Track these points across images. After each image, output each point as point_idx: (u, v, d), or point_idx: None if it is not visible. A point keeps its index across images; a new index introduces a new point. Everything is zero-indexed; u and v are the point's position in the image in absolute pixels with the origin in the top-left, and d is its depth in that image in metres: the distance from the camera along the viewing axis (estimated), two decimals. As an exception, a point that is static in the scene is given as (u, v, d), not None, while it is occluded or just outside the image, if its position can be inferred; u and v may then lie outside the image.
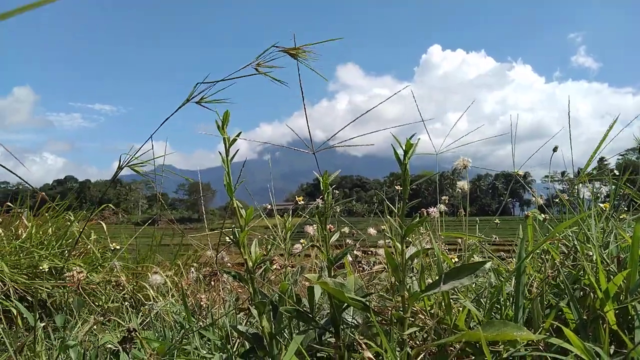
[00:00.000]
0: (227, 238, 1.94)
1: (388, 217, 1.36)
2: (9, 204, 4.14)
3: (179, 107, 1.77)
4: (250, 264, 1.38)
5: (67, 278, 1.56)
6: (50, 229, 3.78)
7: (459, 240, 2.74)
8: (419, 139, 1.32)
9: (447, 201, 2.37)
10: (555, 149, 2.09)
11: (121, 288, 3.13)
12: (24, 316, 2.66)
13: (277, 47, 1.57)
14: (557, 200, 2.25)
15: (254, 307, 1.38)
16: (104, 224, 4.25)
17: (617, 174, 2.10)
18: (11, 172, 2.13)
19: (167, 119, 1.88)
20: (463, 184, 1.94)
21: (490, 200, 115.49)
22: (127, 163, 1.92)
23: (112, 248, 3.08)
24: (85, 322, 2.15)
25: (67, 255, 3.42)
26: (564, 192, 2.16)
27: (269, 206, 2.18)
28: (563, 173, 2.70)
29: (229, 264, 2.17)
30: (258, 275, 1.43)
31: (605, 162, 2.45)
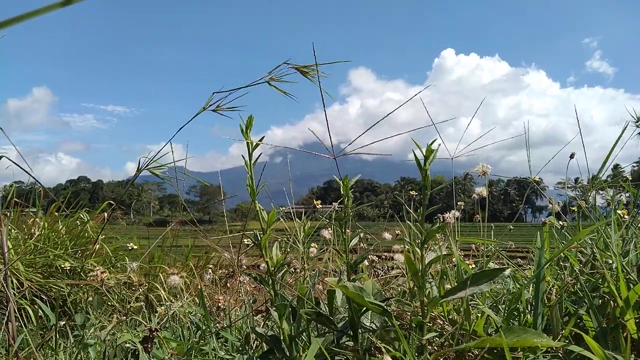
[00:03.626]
0: (245, 241, 1.96)
1: (407, 222, 1.37)
2: (17, 199, 4.18)
3: (197, 114, 1.82)
4: (271, 266, 1.40)
5: (91, 277, 1.58)
6: (63, 228, 3.82)
7: (473, 246, 2.74)
8: (440, 144, 1.33)
9: (462, 206, 2.36)
10: (572, 156, 2.08)
11: (134, 288, 3.16)
12: (39, 315, 2.70)
13: (288, 64, 1.62)
14: (572, 207, 2.24)
15: (274, 309, 1.39)
16: (105, 215, 4.28)
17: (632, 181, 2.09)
18: (25, 171, 2.17)
19: (185, 125, 1.92)
20: (482, 190, 1.94)
21: (502, 206, 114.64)
22: (147, 166, 1.96)
23: (130, 247, 3.12)
24: (102, 321, 2.17)
25: (80, 255, 3.46)
26: (582, 199, 2.14)
27: (286, 209, 2.19)
28: (576, 180, 2.69)
29: (244, 266, 2.19)
30: (278, 278, 1.44)
31: (621, 170, 2.44)
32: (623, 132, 2.02)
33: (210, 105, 1.73)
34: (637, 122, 2.07)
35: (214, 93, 1.73)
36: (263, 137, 1.36)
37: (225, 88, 1.79)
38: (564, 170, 2.09)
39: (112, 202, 4.71)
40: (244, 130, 1.33)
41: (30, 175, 2.14)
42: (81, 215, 4.08)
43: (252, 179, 1.36)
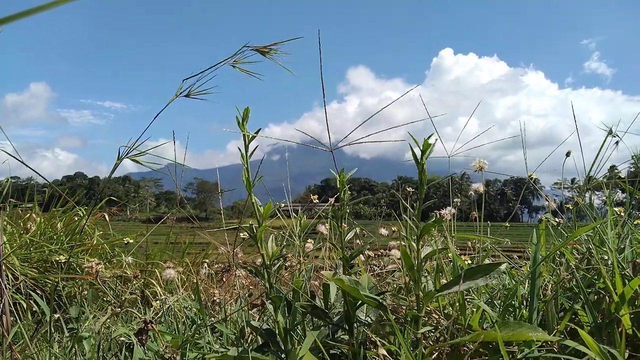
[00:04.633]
0: (241, 235, 1.95)
1: (404, 216, 1.37)
2: (12, 199, 4.16)
3: (169, 103, 1.84)
4: (266, 259, 1.40)
5: (86, 270, 1.58)
6: (59, 223, 3.82)
7: (469, 244, 2.74)
8: (437, 139, 1.33)
9: (458, 204, 2.36)
10: (568, 154, 2.09)
11: (129, 284, 3.15)
12: (34, 309, 2.69)
13: (248, 46, 1.66)
14: (567, 206, 2.24)
15: (269, 301, 1.39)
16: (106, 215, 4.28)
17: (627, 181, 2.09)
18: (27, 165, 2.16)
19: (158, 114, 1.92)
20: (478, 186, 1.94)
21: (498, 206, 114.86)
22: (127, 154, 1.95)
23: (125, 242, 3.11)
24: (96, 315, 2.17)
25: (75, 249, 3.45)
26: (579, 196, 2.15)
27: (283, 205, 2.19)
28: (573, 180, 2.69)
29: (240, 261, 2.18)
30: (273, 271, 1.44)
31: (616, 171, 2.45)
32: (608, 135, 2.03)
33: (182, 92, 1.74)
34: (610, 133, 2.09)
35: (184, 80, 1.75)
36: (260, 130, 1.35)
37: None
38: (561, 170, 2.10)
39: (113, 198, 4.70)
40: (240, 122, 1.33)
41: (31, 169, 2.13)
42: (79, 212, 4.07)
43: (248, 171, 1.35)
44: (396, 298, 1.52)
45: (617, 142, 2.11)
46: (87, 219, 3.34)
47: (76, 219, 3.96)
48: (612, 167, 2.36)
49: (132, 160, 1.91)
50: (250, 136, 1.34)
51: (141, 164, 1.90)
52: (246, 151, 1.35)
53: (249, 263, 2.05)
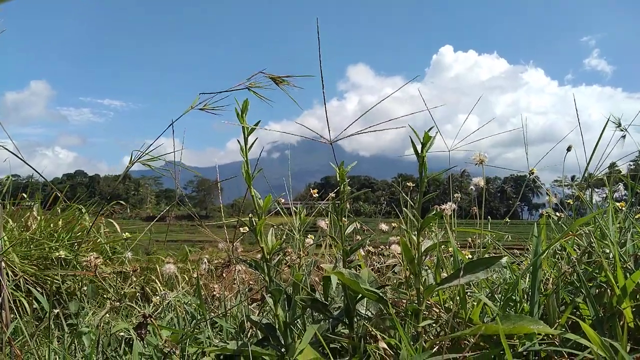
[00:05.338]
0: (241, 229, 1.95)
1: (404, 210, 1.36)
2: (23, 195, 4.16)
3: (183, 114, 1.89)
4: (266, 252, 1.39)
5: (85, 263, 1.57)
6: (60, 221, 3.80)
7: (469, 240, 2.73)
8: (437, 132, 1.33)
9: (459, 199, 2.35)
10: (569, 149, 2.07)
11: (129, 280, 3.15)
12: (34, 306, 2.68)
13: (263, 73, 1.76)
14: (568, 201, 2.24)
15: (269, 295, 1.38)
16: (115, 223, 4.26)
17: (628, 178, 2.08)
18: (28, 164, 2.16)
19: (171, 124, 1.96)
20: (479, 180, 1.93)
21: (498, 203, 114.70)
22: (139, 158, 1.98)
23: (125, 237, 3.11)
24: (96, 312, 2.16)
25: (77, 247, 3.44)
26: (581, 191, 2.14)
27: (282, 200, 2.18)
28: (573, 177, 2.69)
29: (240, 256, 2.18)
30: (273, 264, 1.43)
31: (616, 168, 2.44)
32: (607, 123, 2.02)
33: (197, 105, 1.80)
34: (619, 125, 2.07)
35: (200, 94, 1.83)
36: (259, 122, 1.35)
37: (227, 85, 1.87)
38: (561, 167, 2.09)
39: (121, 202, 4.70)
40: (240, 114, 1.32)
41: (32, 168, 2.13)
42: (80, 209, 4.05)
43: (248, 163, 1.35)
44: (396, 292, 1.52)
45: (623, 136, 2.09)
46: (94, 220, 3.33)
47: (78, 216, 3.95)
48: (612, 164, 2.36)
49: (145, 164, 1.94)
50: (250, 128, 1.33)
51: (152, 168, 1.92)
52: (245, 144, 1.35)
53: (248, 257, 2.05)
